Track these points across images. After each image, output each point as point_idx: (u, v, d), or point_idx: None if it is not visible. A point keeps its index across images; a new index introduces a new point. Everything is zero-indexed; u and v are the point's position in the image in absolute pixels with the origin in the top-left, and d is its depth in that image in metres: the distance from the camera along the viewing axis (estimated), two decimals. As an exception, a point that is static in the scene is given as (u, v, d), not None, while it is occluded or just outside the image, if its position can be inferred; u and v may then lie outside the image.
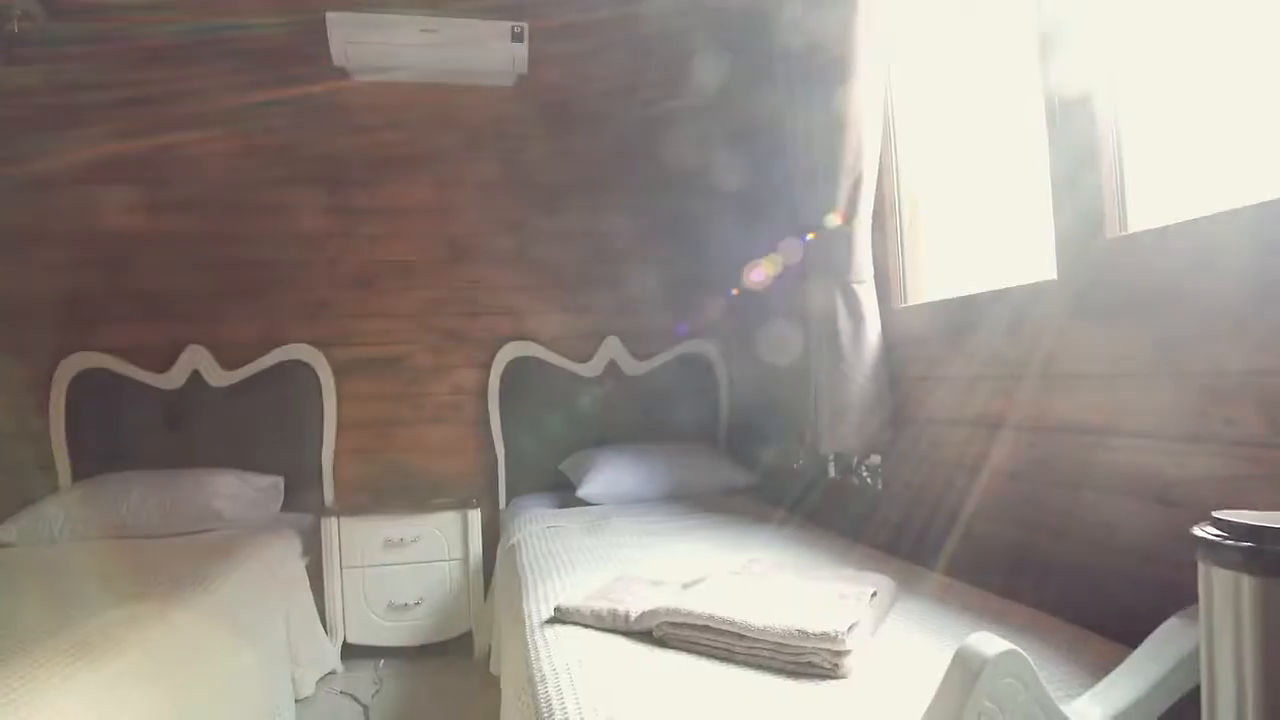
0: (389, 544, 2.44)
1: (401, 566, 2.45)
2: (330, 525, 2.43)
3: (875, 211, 1.95)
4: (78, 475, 2.57)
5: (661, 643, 1.19)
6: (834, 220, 1.95)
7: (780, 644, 1.06)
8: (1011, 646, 0.80)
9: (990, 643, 0.80)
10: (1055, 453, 1.43)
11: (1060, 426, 1.41)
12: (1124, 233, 1.31)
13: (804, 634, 1.05)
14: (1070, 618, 1.24)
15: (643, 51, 2.87)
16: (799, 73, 2.07)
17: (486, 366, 2.89)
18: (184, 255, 2.74)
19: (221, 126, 2.75)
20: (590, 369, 2.93)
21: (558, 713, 0.98)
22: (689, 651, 1.16)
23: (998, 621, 1.22)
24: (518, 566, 1.81)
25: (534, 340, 2.93)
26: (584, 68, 2.98)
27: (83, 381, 2.63)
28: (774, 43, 2.18)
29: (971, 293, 1.70)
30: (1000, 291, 1.60)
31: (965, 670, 0.79)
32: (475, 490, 2.77)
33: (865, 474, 2.23)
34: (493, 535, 2.63)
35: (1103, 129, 1.31)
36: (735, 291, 2.93)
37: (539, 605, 1.45)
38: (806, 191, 2.07)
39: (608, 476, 2.47)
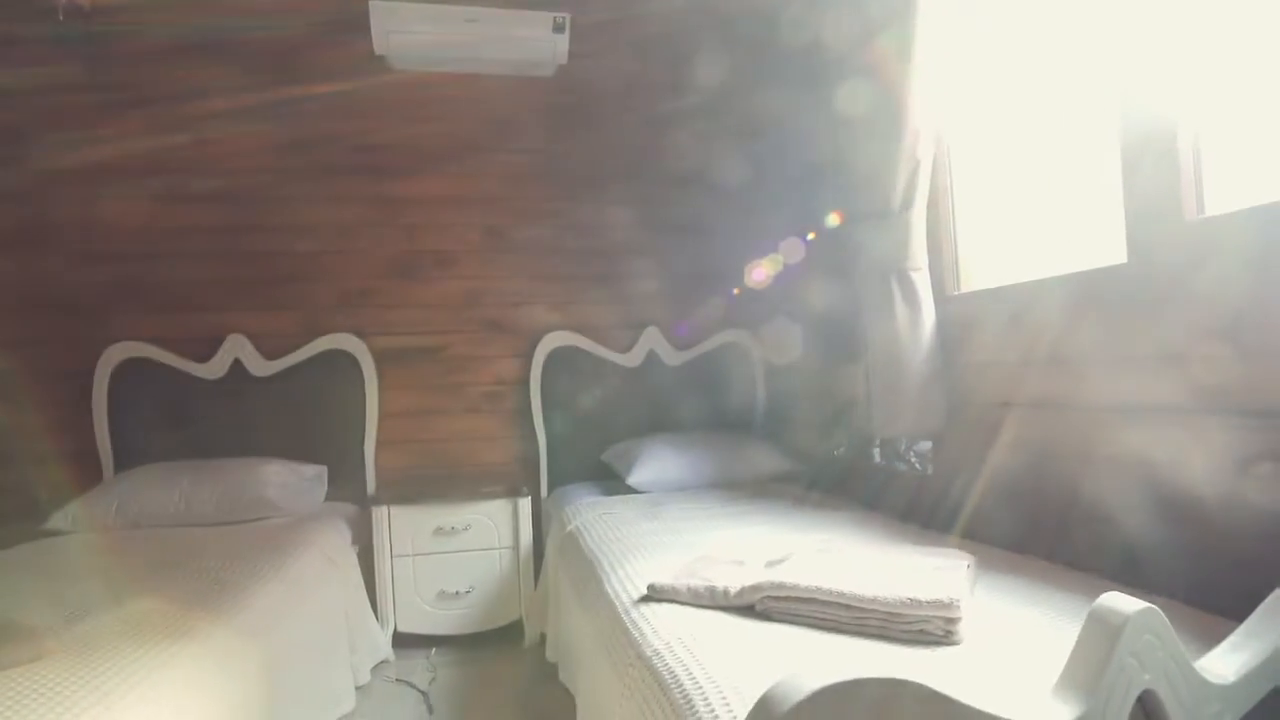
0: (439, 532, 2.46)
1: (451, 555, 2.47)
2: (381, 514, 2.44)
3: (930, 199, 1.98)
4: (120, 465, 2.57)
5: (765, 616, 1.22)
6: (891, 208, 1.97)
7: (892, 613, 1.09)
8: (1149, 604, 0.83)
9: (1128, 601, 0.83)
10: (1109, 434, 1.46)
11: (1123, 408, 1.44)
12: (1202, 215, 1.33)
13: (916, 602, 1.07)
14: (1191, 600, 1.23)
15: (675, 43, 2.90)
16: (852, 62, 2.09)
17: (527, 356, 2.91)
18: (224, 246, 2.75)
19: (260, 119, 2.75)
20: (631, 359, 2.95)
21: (686, 681, 1.00)
22: (793, 624, 1.18)
23: (1081, 592, 1.23)
24: (585, 552, 1.84)
25: (575, 330, 2.95)
26: (619, 59, 3.00)
27: (124, 372, 2.63)
28: (824, 34, 2.20)
29: (1034, 278, 1.72)
30: (1065, 276, 1.61)
31: (1106, 627, 0.82)
32: (516, 480, 2.79)
33: (914, 459, 2.26)
34: (537, 524, 2.64)
35: (1179, 106, 1.31)
36: (762, 283, 2.96)
37: (624, 586, 1.47)
38: (861, 180, 2.09)
39: (657, 464, 2.50)
